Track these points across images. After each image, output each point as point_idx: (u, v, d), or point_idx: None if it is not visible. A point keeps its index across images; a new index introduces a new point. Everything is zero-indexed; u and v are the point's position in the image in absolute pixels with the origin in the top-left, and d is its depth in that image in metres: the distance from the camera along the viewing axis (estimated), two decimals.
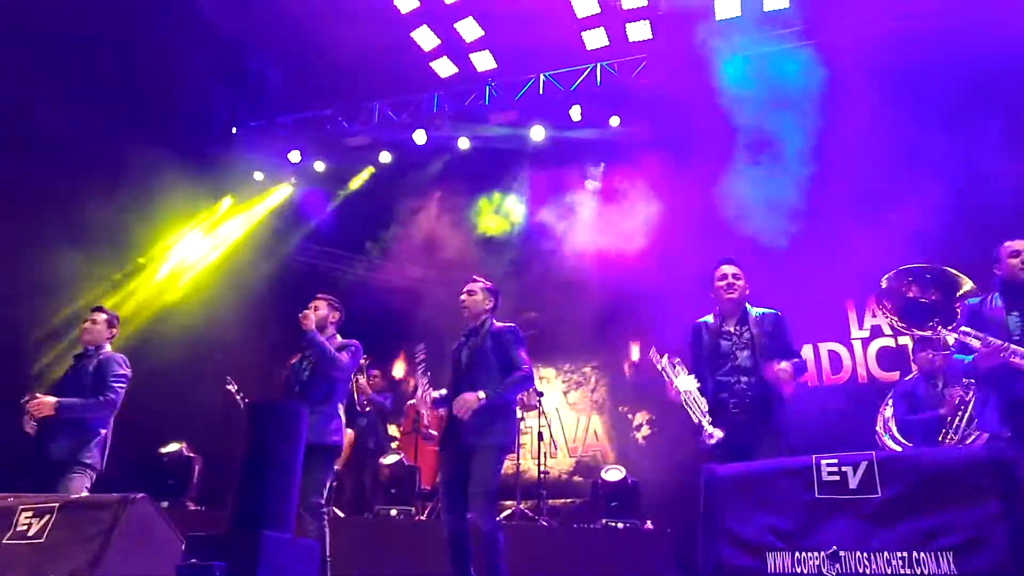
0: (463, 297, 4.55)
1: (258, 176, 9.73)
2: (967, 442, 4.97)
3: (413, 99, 9.04)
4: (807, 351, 7.17)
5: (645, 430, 7.67)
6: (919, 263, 4.28)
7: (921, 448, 5.12)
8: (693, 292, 5.15)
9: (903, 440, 5.42)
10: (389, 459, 6.21)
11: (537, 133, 8.78)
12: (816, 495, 3.41)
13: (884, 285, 4.24)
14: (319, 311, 4.69)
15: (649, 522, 5.94)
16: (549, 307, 7.86)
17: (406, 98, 9.08)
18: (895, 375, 7.09)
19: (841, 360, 7.40)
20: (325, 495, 4.38)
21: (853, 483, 3.39)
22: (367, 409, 6.77)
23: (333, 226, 10.04)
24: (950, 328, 4.04)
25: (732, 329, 4.32)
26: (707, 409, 4.20)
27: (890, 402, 5.61)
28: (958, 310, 4.30)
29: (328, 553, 4.31)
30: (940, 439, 5.10)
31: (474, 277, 4.65)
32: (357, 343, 4.71)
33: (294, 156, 9.57)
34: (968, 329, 3.95)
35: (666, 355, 4.47)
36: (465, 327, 4.52)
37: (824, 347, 7.23)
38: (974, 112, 7.01)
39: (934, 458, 3.61)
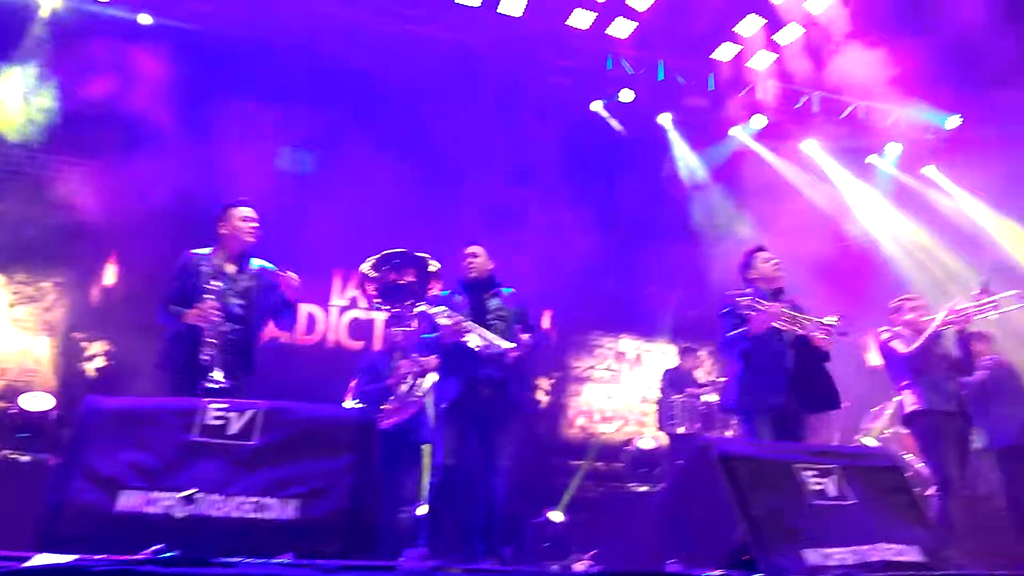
0: None
1: None
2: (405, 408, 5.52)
3: None
4: None
5: (100, 361, 6.95)
6: (398, 248, 4.62)
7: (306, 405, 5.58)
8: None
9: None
10: None
11: None
12: (192, 437, 3.39)
13: (367, 270, 4.56)
14: None
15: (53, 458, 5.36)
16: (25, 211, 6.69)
17: None
18: (360, 344, 7.72)
19: (316, 323, 7.80)
20: None
21: (233, 429, 3.46)
22: None
23: None
24: (424, 305, 4.52)
25: (230, 272, 4.34)
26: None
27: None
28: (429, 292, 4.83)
29: None
30: (384, 406, 5.50)
31: None
32: None
33: None
34: (442, 308, 4.50)
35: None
36: None
37: (304, 308, 7.43)
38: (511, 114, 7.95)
39: (313, 414, 3.87)
